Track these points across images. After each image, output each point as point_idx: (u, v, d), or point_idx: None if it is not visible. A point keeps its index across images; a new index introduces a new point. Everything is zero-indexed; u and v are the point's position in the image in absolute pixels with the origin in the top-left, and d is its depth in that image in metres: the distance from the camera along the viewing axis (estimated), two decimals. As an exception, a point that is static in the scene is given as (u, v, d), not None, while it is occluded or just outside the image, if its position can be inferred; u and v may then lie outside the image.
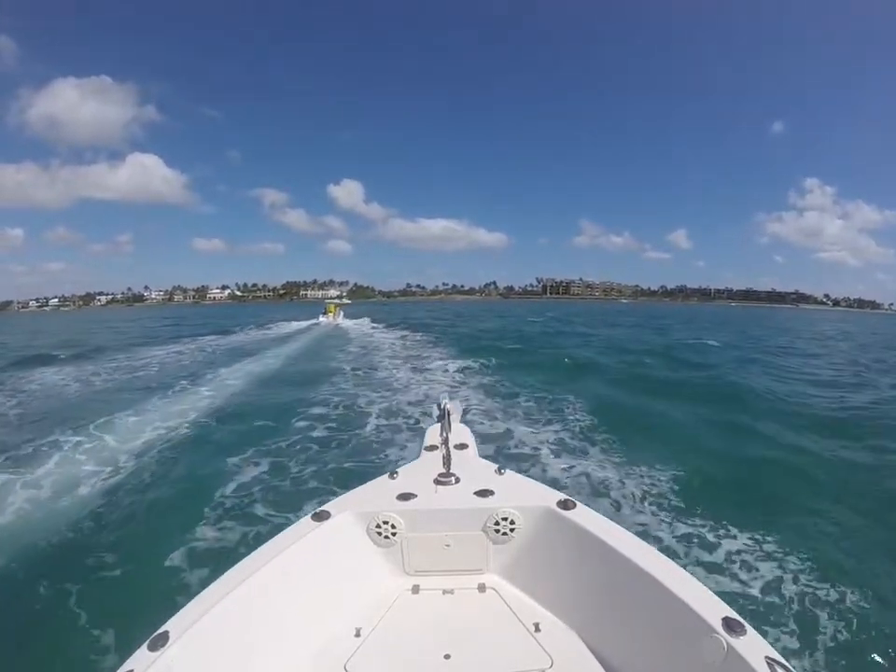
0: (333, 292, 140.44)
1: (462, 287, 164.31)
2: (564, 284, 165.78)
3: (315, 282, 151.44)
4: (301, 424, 5.81)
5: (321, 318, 28.36)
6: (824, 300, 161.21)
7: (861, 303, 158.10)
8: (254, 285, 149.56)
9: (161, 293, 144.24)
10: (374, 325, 24.96)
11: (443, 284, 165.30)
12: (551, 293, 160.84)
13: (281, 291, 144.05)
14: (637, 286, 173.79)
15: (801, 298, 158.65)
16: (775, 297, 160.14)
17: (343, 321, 27.92)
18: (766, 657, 0.97)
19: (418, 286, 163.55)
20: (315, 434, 5.44)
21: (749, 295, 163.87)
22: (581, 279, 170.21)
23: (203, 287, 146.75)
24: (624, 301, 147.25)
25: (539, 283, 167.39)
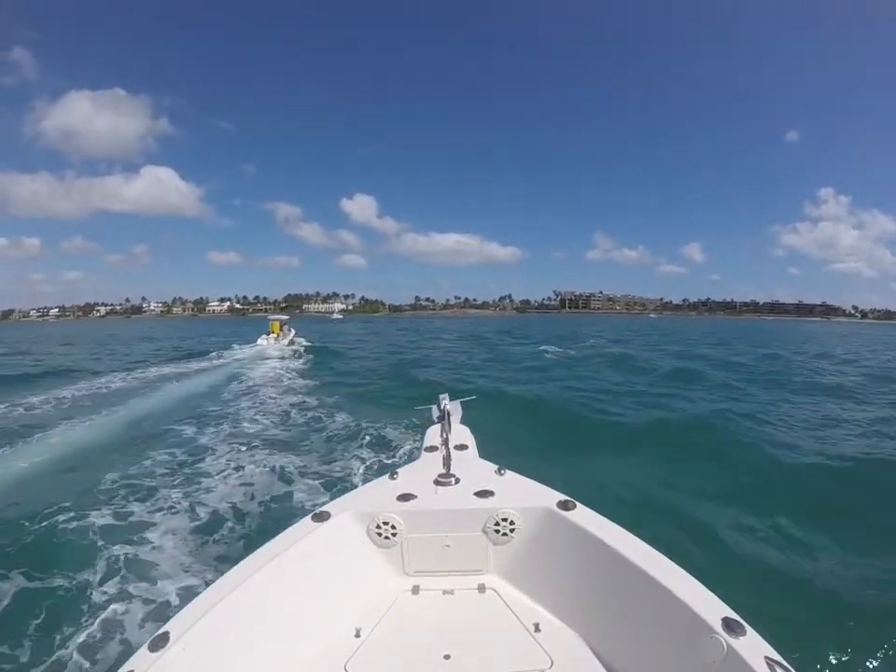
0: (338, 306, 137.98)
1: (475, 300, 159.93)
2: (583, 297, 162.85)
3: (318, 294, 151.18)
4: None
5: (260, 341, 20.91)
6: (853, 311, 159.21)
7: (888, 314, 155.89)
8: (255, 298, 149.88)
9: (160, 305, 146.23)
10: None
11: (455, 297, 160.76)
12: (570, 307, 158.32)
13: (283, 305, 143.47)
14: (661, 299, 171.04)
15: (829, 310, 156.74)
16: (803, 309, 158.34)
17: (274, 355, 17.45)
18: (766, 657, 1.00)
19: (428, 299, 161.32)
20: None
21: (775, 308, 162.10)
22: (601, 292, 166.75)
23: (201, 299, 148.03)
24: (653, 315, 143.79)
25: (557, 296, 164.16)
